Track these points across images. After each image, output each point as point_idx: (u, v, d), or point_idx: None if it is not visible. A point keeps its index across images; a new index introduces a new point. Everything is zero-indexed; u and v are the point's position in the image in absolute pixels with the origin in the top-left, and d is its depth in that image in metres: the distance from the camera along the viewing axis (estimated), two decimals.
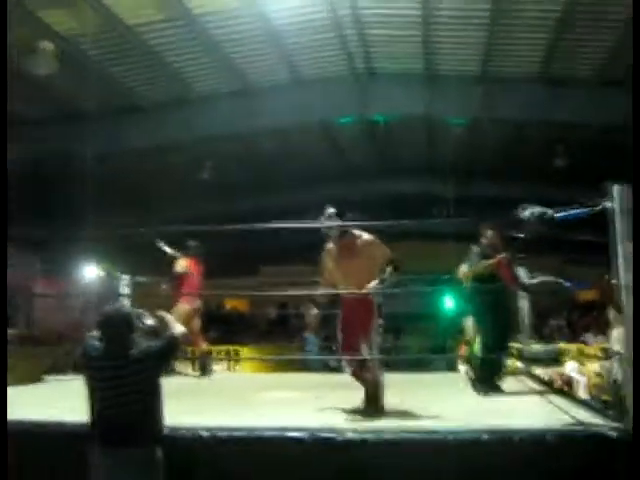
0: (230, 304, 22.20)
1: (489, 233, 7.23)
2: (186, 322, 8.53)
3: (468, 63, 11.48)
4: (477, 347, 7.16)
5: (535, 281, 7.00)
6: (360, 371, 5.85)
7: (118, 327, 4.33)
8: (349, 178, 15.88)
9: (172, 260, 9.70)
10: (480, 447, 4.47)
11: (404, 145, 14.78)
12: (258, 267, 22.01)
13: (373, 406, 5.69)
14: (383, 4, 9.93)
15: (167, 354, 4.57)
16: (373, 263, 5.91)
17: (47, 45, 9.63)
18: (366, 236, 6.02)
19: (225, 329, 17.87)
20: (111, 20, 9.76)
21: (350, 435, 4.63)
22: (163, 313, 4.87)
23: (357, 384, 6.02)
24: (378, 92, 12.11)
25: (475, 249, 7.17)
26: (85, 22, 9.79)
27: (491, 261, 7.03)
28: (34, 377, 8.78)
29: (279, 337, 17.46)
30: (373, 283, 5.80)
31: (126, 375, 4.18)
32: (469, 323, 9.09)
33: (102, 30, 10.00)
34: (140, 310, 4.86)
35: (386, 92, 12.11)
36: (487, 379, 6.98)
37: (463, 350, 9.60)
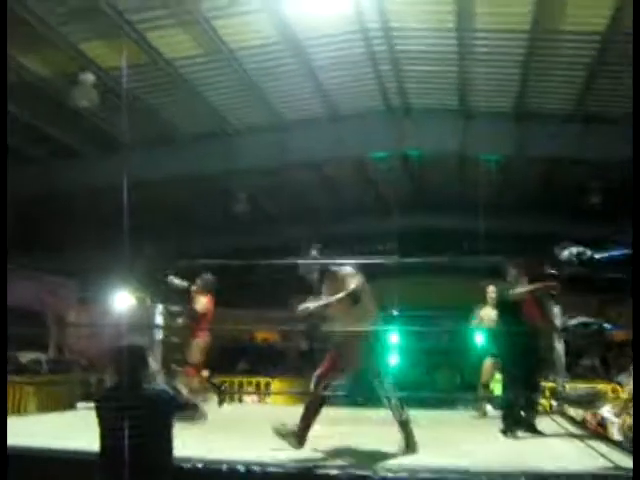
0: (260, 336, 22.18)
1: (513, 271, 6.94)
2: (203, 355, 8.69)
3: (502, 99, 11.50)
4: (498, 386, 7.04)
5: (574, 322, 6.80)
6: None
7: (131, 361, 4.29)
8: (383, 212, 15.90)
9: (186, 293, 9.54)
10: None
11: (438, 180, 14.81)
12: (289, 299, 21.98)
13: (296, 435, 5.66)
14: (419, 40, 10.00)
15: (172, 412, 4.40)
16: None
17: (88, 77, 9.84)
18: (347, 269, 6.17)
19: (256, 361, 17.87)
20: (151, 54, 9.95)
21: (386, 475, 4.54)
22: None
23: (384, 420, 5.96)
24: (413, 127, 12.16)
25: (498, 286, 6.97)
26: (126, 55, 10.01)
27: (519, 290, 6.67)
28: (68, 404, 8.86)
29: (310, 369, 17.35)
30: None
31: (133, 411, 4.12)
32: (487, 364, 9.05)
33: (142, 63, 10.22)
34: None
35: (421, 127, 12.16)
36: (513, 419, 6.80)
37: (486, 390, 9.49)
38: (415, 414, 5.90)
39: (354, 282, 5.96)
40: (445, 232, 16.97)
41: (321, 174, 14.36)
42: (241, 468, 4.56)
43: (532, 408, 7.00)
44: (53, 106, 11.22)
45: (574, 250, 5.12)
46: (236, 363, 17.55)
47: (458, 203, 16.03)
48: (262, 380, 13.53)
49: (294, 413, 8.51)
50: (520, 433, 6.63)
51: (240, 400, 12.46)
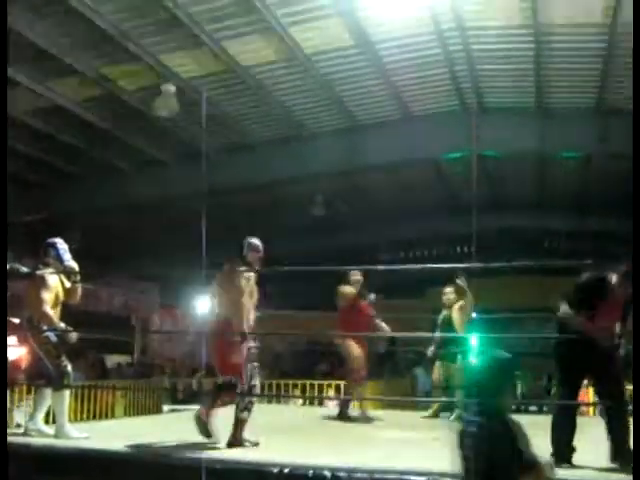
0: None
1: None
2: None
3: (582, 95, 11.29)
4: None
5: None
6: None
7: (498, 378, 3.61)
8: (459, 213, 15.79)
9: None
10: None
11: (515, 180, 14.61)
12: None
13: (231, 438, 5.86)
14: (493, 39, 9.92)
15: None
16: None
17: (170, 87, 10.11)
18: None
19: (335, 363, 17.93)
20: (228, 62, 10.15)
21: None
22: None
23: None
24: (489, 127, 12.02)
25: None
26: (203, 64, 10.27)
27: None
28: (156, 408, 9.06)
29: (389, 372, 17.33)
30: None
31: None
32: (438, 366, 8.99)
33: (220, 71, 10.44)
34: None
35: (497, 127, 12.01)
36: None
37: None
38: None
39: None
40: (523, 230, 16.77)
41: (396, 175, 14.34)
42: (327, 473, 4.61)
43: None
44: (136, 117, 11.57)
45: None
46: (315, 366, 17.65)
47: (536, 202, 15.81)
48: (342, 383, 13.49)
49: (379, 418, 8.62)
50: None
51: (321, 403, 12.52)
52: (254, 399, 6.09)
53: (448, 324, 8.84)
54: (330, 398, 12.83)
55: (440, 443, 6.33)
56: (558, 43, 9.83)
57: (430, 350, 9.25)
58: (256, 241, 6.54)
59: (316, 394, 13.01)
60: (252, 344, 6.08)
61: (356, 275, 8.72)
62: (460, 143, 12.58)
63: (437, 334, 9.02)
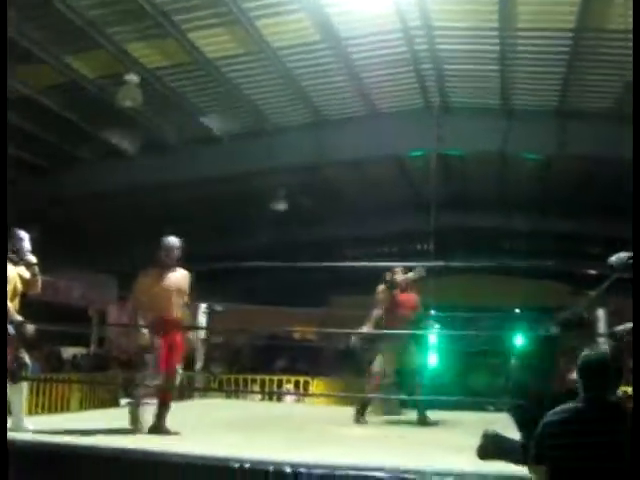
0: (299, 334, 22.16)
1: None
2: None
3: (544, 98, 11.42)
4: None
5: (622, 327, 6.35)
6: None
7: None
8: (421, 211, 15.89)
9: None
10: None
11: (478, 179, 14.73)
12: (328, 297, 21.98)
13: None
14: (460, 40, 9.98)
15: None
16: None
17: (133, 77, 9.97)
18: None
19: (294, 358, 17.91)
20: (194, 53, 10.06)
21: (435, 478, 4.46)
22: None
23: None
24: (453, 126, 12.11)
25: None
26: (168, 55, 10.16)
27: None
28: (113, 401, 8.95)
29: (348, 368, 17.29)
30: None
31: None
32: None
33: (184, 62, 10.35)
34: None
35: (461, 126, 12.11)
36: None
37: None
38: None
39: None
40: (484, 230, 16.92)
41: (360, 171, 14.36)
42: (288, 469, 4.59)
43: None
44: (98, 106, 11.39)
45: (623, 255, 5.01)
46: (275, 361, 17.60)
47: (498, 201, 15.96)
48: (302, 379, 13.50)
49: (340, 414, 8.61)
50: None
51: (279, 399, 12.46)
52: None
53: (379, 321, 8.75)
54: (288, 393, 12.81)
55: (404, 440, 6.40)
56: (522, 46, 9.95)
57: (353, 340, 9.19)
58: (170, 240, 6.47)
59: (275, 389, 12.97)
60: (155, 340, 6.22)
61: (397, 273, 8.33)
62: (424, 141, 12.67)
63: (365, 328, 8.92)
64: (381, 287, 8.60)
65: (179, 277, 6.46)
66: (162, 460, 4.88)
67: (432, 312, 12.50)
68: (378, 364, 8.57)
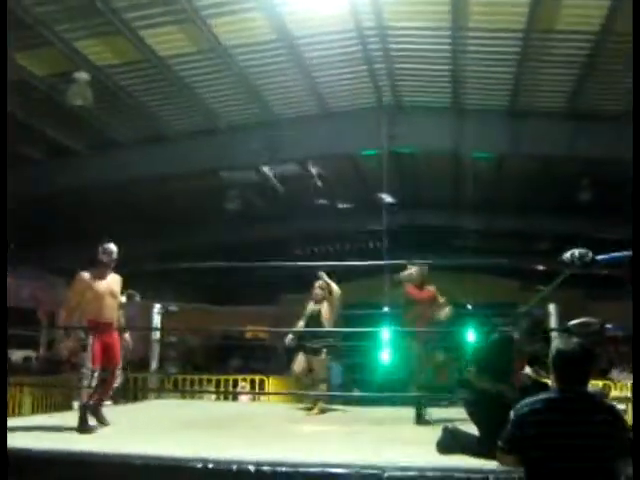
0: (251, 333, 22.14)
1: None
2: None
3: (495, 98, 11.55)
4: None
5: (576, 322, 6.55)
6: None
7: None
8: (374, 209, 15.98)
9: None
10: None
11: (430, 178, 14.85)
12: (280, 295, 21.99)
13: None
14: (412, 39, 10.05)
15: None
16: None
17: (83, 75, 9.81)
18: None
19: (247, 358, 17.89)
20: (144, 51, 9.94)
21: (397, 473, 4.52)
22: None
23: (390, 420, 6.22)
24: (405, 125, 12.20)
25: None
26: (119, 53, 10.02)
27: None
28: (66, 405, 8.85)
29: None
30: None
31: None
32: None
33: (136, 60, 10.22)
34: None
35: (413, 125, 12.20)
36: None
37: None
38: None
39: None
40: (436, 229, 17.08)
41: (312, 171, 14.36)
42: (251, 468, 4.57)
43: None
44: (48, 105, 11.18)
45: (576, 252, 5.13)
46: (229, 360, 17.57)
47: (450, 200, 16.12)
48: (257, 378, 13.48)
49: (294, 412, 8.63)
50: None
51: (235, 398, 12.42)
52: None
53: (316, 317, 8.84)
54: (243, 393, 12.79)
55: (365, 436, 6.43)
56: (474, 46, 10.05)
57: (288, 339, 9.27)
58: (109, 246, 6.90)
59: (230, 389, 12.94)
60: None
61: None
62: (377, 140, 12.73)
63: (301, 325, 9.02)
64: (318, 283, 8.81)
65: (113, 281, 6.91)
66: (122, 462, 4.84)
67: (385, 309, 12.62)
68: (297, 363, 8.79)
